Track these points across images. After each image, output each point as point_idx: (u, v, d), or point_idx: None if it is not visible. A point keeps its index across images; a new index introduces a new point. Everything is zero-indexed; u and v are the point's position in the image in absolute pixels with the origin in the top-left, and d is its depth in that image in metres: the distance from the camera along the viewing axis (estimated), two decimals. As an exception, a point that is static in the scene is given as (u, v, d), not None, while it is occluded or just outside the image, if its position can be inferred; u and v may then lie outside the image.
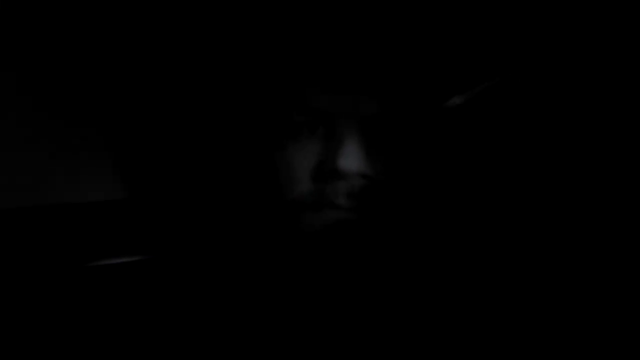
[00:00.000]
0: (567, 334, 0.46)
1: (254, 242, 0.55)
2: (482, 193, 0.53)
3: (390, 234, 0.50)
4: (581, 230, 0.49)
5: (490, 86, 0.42)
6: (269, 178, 0.52)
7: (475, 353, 0.47)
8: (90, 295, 0.56)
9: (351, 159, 0.46)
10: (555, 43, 0.42)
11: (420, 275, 0.51)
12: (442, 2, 0.50)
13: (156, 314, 0.52)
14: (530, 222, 0.51)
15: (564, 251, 0.49)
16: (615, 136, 0.45)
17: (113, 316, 0.53)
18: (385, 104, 0.48)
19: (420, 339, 0.48)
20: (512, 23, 0.41)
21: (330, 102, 0.48)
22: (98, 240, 0.64)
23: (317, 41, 0.50)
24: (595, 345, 0.45)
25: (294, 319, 0.50)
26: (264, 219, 0.55)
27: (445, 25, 0.51)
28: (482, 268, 0.51)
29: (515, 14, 0.42)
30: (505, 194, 0.53)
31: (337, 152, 0.47)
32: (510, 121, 0.50)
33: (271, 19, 0.54)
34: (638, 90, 0.40)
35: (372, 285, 0.51)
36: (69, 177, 0.70)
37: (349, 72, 0.48)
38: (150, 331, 0.51)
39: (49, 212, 0.65)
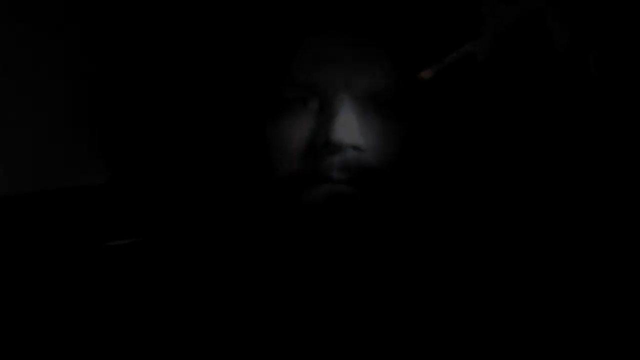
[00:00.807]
0: (567, 334, 0.46)
1: (249, 221, 0.55)
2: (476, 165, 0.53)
3: (386, 206, 0.50)
4: (581, 226, 0.49)
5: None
6: (262, 155, 0.51)
7: (473, 346, 0.47)
8: (83, 277, 0.56)
9: (344, 131, 0.46)
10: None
11: (418, 254, 0.51)
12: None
13: (151, 297, 0.52)
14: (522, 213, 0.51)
15: (564, 250, 0.49)
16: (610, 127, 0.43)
17: (105, 300, 0.53)
18: (377, 75, 0.48)
19: (420, 325, 0.48)
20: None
21: (321, 75, 0.48)
22: (94, 224, 0.65)
23: (307, 13, 0.50)
24: (595, 345, 0.45)
25: (290, 300, 0.50)
26: (258, 196, 0.54)
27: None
28: (478, 247, 0.51)
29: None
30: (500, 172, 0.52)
31: (330, 125, 0.46)
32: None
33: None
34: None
35: (370, 263, 0.50)
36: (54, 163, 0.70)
37: (339, 44, 0.48)
38: (145, 314, 0.51)
39: (36, 198, 0.66)
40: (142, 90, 0.70)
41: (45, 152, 0.71)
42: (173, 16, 0.69)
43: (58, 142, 0.71)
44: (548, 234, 0.50)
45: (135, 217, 0.63)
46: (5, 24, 0.68)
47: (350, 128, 0.46)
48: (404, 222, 0.52)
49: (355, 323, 0.49)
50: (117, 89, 0.71)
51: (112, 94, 0.71)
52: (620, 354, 0.44)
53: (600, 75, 0.32)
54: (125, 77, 0.71)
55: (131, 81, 0.71)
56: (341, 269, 0.50)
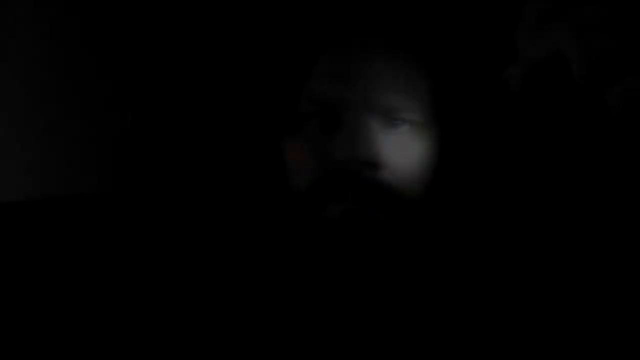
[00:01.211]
0: (568, 334, 0.46)
1: (259, 236, 0.54)
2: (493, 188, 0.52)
3: (407, 227, 0.49)
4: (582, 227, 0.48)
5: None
6: (276, 170, 0.51)
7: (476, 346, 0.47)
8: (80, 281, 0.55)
9: (359, 149, 0.45)
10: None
11: (429, 271, 0.50)
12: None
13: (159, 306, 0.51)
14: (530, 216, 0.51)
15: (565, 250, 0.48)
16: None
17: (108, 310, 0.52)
18: (399, 94, 0.47)
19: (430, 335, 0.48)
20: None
21: (338, 91, 0.47)
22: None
23: (321, 30, 0.49)
24: (595, 345, 0.45)
25: (295, 314, 0.49)
26: (270, 212, 0.54)
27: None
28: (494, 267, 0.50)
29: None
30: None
31: (345, 143, 0.45)
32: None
33: (274, 9, 0.54)
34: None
35: (379, 281, 0.49)
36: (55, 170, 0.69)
37: (359, 59, 0.47)
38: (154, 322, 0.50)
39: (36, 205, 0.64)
40: (157, 98, 0.70)
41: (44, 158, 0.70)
42: (190, 27, 0.68)
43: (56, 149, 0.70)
44: (558, 245, 0.49)
45: (148, 226, 0.63)
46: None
47: (366, 146, 0.45)
48: (425, 243, 0.51)
49: (361, 338, 0.47)
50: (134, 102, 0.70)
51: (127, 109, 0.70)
52: (620, 354, 0.44)
53: (618, 111, 0.33)
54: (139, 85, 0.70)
55: (145, 89, 0.70)
56: (353, 285, 0.49)
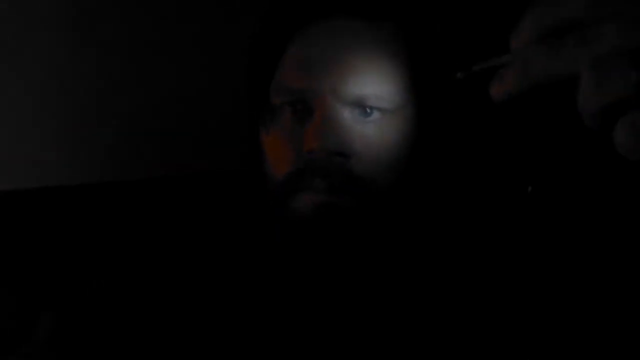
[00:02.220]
0: (567, 334, 0.45)
1: (237, 230, 0.54)
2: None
3: (379, 216, 0.48)
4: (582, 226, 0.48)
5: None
6: (253, 161, 0.51)
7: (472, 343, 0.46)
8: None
9: (326, 138, 0.44)
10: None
11: (402, 261, 0.49)
12: None
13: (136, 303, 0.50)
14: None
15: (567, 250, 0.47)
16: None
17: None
18: (369, 81, 0.46)
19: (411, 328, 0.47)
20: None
21: (305, 80, 0.46)
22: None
23: (288, 17, 0.48)
24: (595, 345, 0.44)
25: (277, 311, 0.48)
26: (247, 204, 0.54)
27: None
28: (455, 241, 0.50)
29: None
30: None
31: (312, 132, 0.45)
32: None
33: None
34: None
35: (350, 273, 0.49)
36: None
37: (326, 45, 0.46)
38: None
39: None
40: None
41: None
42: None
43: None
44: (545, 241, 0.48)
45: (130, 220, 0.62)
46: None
47: (336, 135, 0.44)
48: (398, 231, 0.50)
49: (346, 337, 0.47)
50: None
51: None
52: (620, 354, 0.43)
53: (626, 148, 0.29)
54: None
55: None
56: (330, 277, 0.49)
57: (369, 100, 0.46)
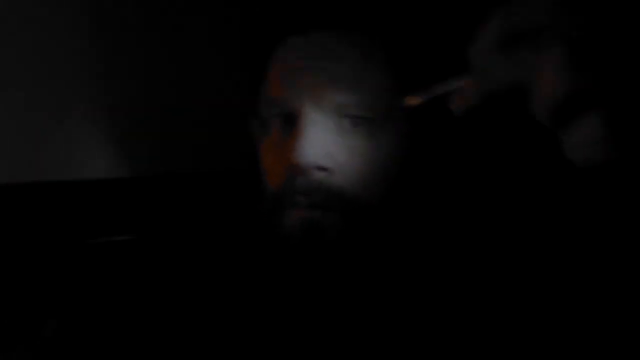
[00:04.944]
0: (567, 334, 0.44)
1: (236, 230, 0.54)
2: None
3: (363, 230, 0.47)
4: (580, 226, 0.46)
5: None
6: (249, 171, 0.50)
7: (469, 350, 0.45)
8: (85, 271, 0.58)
9: (307, 151, 0.43)
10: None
11: (385, 275, 0.48)
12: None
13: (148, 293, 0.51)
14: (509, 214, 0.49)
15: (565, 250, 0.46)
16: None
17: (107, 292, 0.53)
18: (350, 91, 0.45)
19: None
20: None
21: (286, 90, 0.46)
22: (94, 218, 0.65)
23: (273, 30, 0.48)
24: (596, 345, 0.43)
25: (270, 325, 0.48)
26: (242, 217, 0.54)
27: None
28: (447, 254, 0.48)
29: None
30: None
31: (293, 146, 0.44)
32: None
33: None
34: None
35: (333, 289, 0.48)
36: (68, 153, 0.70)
37: (307, 55, 0.46)
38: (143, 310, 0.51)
39: (48, 188, 0.66)
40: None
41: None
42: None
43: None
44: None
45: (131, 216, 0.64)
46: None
47: (314, 148, 0.43)
48: (383, 246, 0.49)
49: (333, 346, 0.46)
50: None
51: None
52: (620, 354, 0.42)
53: (575, 154, 0.31)
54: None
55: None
56: (316, 290, 0.48)
57: (350, 109, 0.45)
